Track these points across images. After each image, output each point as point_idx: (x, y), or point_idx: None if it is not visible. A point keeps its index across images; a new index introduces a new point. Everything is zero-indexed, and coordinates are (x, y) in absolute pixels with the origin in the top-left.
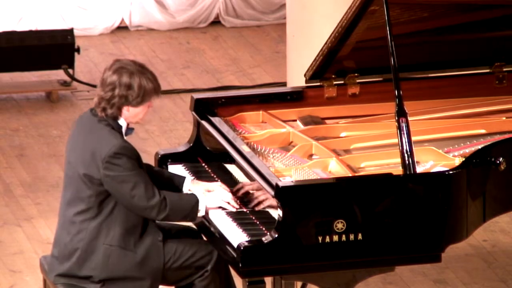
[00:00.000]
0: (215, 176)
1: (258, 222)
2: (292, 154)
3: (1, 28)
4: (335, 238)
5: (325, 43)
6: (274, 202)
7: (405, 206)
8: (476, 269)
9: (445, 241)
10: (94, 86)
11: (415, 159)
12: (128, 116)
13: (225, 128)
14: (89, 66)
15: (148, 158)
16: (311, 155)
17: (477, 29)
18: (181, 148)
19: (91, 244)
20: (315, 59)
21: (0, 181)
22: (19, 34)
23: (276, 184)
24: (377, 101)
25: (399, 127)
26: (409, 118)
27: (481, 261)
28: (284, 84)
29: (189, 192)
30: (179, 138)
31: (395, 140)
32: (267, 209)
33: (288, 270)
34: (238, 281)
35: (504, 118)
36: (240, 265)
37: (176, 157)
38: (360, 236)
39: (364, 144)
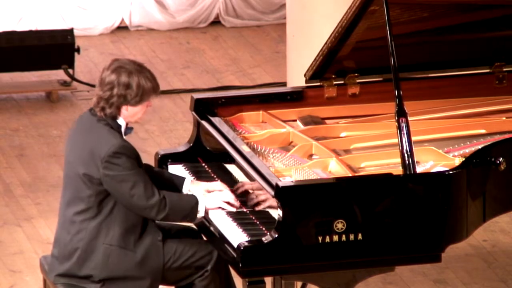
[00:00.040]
0: (215, 176)
1: (258, 222)
2: (292, 154)
3: (1, 28)
4: (335, 238)
5: (325, 43)
6: (274, 202)
7: (405, 206)
8: (476, 269)
9: (445, 241)
10: (94, 86)
11: (415, 159)
12: (127, 115)
13: (225, 128)
14: (89, 66)
15: (148, 158)
16: (311, 155)
17: (477, 29)
18: (181, 148)
19: (91, 244)
20: (315, 59)
21: (0, 181)
22: (19, 34)
23: (276, 184)
24: (377, 101)
25: (399, 127)
26: (409, 118)
27: (481, 261)
28: (284, 84)
29: (189, 193)
30: (179, 138)
31: (395, 140)
32: (267, 209)
33: (288, 270)
34: (238, 281)
35: (504, 118)
36: (240, 265)
37: (176, 157)
38: (360, 236)
39: (364, 144)
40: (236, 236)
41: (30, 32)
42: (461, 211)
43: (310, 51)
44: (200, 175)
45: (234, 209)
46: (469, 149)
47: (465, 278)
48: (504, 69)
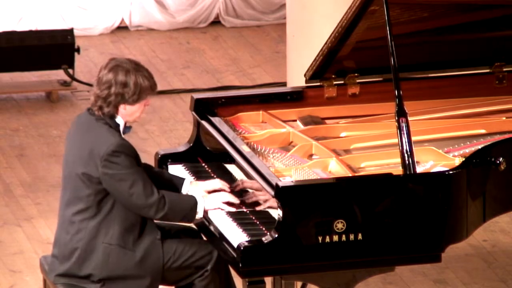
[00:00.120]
0: (215, 176)
1: (258, 222)
2: (292, 154)
3: (1, 28)
4: (335, 238)
5: (325, 43)
6: (274, 202)
7: (405, 206)
8: (476, 269)
9: (445, 241)
10: None
11: (415, 159)
12: (125, 114)
13: (225, 128)
14: (89, 66)
15: (148, 158)
16: (311, 155)
17: (477, 29)
18: (181, 148)
19: (90, 243)
20: (315, 59)
21: (0, 181)
22: (19, 34)
23: (276, 184)
24: (377, 101)
25: (399, 127)
26: (409, 118)
27: (481, 261)
28: (284, 84)
29: (188, 194)
30: (179, 138)
31: (395, 140)
32: (267, 209)
33: (288, 270)
34: (238, 281)
35: (504, 118)
36: (240, 265)
37: (176, 157)
38: (360, 236)
39: (364, 144)
40: (236, 236)
41: (30, 32)
42: (461, 211)
43: (310, 51)
44: (200, 175)
45: (233, 209)
46: (469, 149)
47: (465, 278)
48: (504, 69)
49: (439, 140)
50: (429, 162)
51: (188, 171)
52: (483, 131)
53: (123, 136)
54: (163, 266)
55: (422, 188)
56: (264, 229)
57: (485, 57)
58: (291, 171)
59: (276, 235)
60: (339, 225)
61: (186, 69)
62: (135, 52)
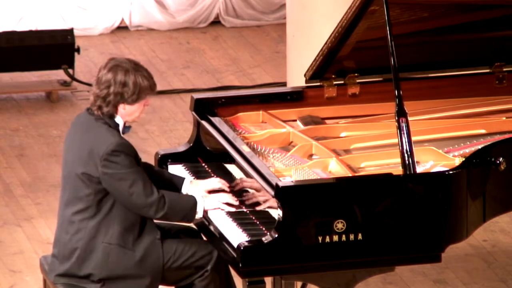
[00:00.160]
0: (215, 176)
1: (258, 222)
2: (292, 154)
3: (1, 28)
4: (335, 238)
5: (325, 43)
6: (274, 203)
7: (405, 206)
8: (476, 269)
9: (445, 241)
10: None
11: (415, 159)
12: (124, 114)
13: (225, 128)
14: (89, 66)
15: (148, 158)
16: (311, 155)
17: (477, 29)
18: (181, 148)
19: (90, 243)
20: (315, 59)
21: (0, 181)
22: (19, 34)
23: (276, 184)
24: (377, 101)
25: (399, 127)
26: (409, 118)
27: (481, 261)
28: (284, 84)
29: (188, 194)
30: (179, 138)
31: (395, 140)
32: (267, 209)
33: (288, 270)
34: (238, 281)
35: (504, 118)
36: (240, 265)
37: (176, 157)
38: (360, 236)
39: (364, 144)
40: (236, 236)
41: (30, 32)
42: (461, 211)
43: (310, 51)
44: (200, 175)
45: (233, 209)
46: (469, 149)
47: (465, 278)
48: (504, 69)
49: (439, 140)
50: (429, 162)
51: (188, 171)
52: (483, 131)
53: (122, 135)
54: (163, 266)
55: (422, 188)
56: (264, 229)
57: (485, 57)
58: (291, 171)
59: (276, 235)
60: (339, 225)
61: (186, 69)
62: (135, 52)
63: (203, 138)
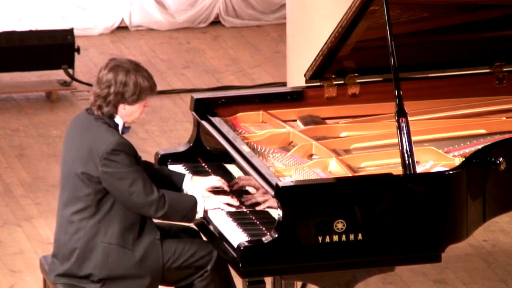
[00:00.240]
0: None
1: (258, 222)
2: (292, 154)
3: (1, 28)
4: (335, 238)
5: (325, 43)
6: (274, 202)
7: (405, 206)
8: (476, 269)
9: (445, 241)
10: None
11: (415, 159)
12: (124, 114)
13: (225, 128)
14: (89, 66)
15: (148, 158)
16: (311, 155)
17: (477, 29)
18: (181, 148)
19: (89, 243)
20: (315, 59)
21: (0, 181)
22: (19, 34)
23: (276, 184)
24: (377, 101)
25: (399, 127)
26: (409, 118)
27: (481, 261)
28: (284, 84)
29: (188, 193)
30: (179, 138)
31: (395, 140)
32: (267, 209)
33: (288, 270)
34: (238, 281)
35: (504, 118)
36: (240, 265)
37: (176, 157)
38: (360, 236)
39: (364, 144)
40: (236, 236)
41: (30, 32)
42: (461, 211)
43: (310, 51)
44: (200, 175)
45: (233, 209)
46: (469, 149)
47: (465, 278)
48: (504, 69)
49: (439, 140)
50: (429, 162)
51: (188, 171)
52: (483, 131)
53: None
54: (163, 266)
55: (422, 188)
56: (264, 229)
57: (485, 57)
58: (291, 171)
59: (276, 235)
60: (339, 225)
61: (186, 69)
62: (135, 52)
63: (203, 138)
